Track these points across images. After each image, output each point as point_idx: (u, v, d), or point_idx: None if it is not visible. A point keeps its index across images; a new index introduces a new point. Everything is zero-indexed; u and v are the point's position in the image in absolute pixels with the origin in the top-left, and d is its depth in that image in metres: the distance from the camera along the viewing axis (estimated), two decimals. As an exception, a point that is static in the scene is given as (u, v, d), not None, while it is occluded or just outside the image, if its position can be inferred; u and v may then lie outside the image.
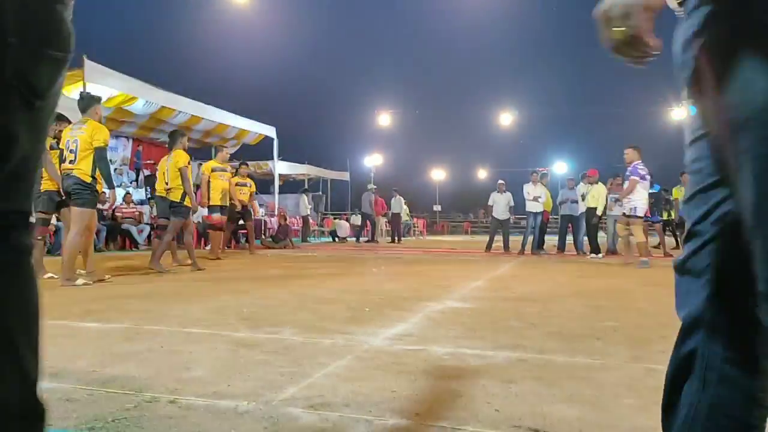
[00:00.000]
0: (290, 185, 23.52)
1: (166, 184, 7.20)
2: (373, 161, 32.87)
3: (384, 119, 26.20)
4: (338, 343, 2.79)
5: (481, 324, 3.38)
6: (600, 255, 10.89)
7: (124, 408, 1.79)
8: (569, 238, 12.25)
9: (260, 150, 19.09)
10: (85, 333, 3.03)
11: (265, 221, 16.65)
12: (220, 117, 15.47)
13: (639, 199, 8.46)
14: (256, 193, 19.01)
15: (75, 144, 5.33)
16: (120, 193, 11.73)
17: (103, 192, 6.14)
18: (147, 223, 12.01)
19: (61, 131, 6.07)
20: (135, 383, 2.05)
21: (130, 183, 14.95)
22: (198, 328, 3.18)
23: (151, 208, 11.90)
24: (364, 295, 4.76)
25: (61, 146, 5.60)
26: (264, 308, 3.94)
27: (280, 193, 19.83)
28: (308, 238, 19.25)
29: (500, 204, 12.55)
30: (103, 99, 12.52)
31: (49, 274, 5.97)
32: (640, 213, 8.51)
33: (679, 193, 11.42)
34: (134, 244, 11.56)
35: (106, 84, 11.97)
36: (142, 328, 3.14)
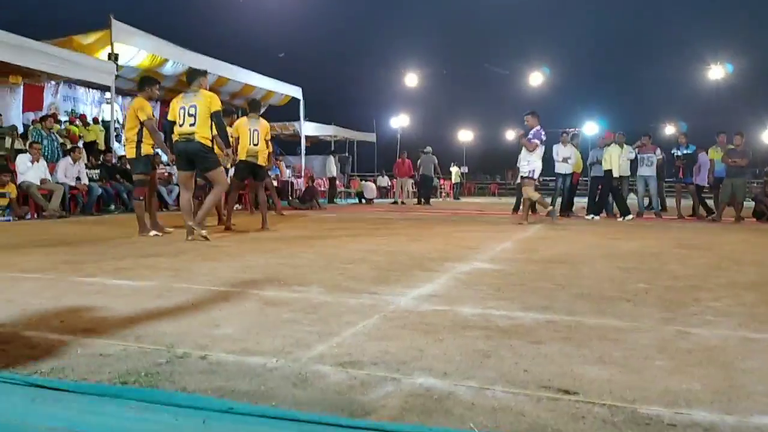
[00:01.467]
0: (317, 146, 23.51)
1: (255, 145, 7.29)
2: (399, 122, 32.60)
3: (411, 79, 25.86)
4: (365, 303, 2.80)
5: (509, 285, 3.36)
6: (630, 216, 10.73)
7: (157, 363, 1.82)
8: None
9: (287, 111, 19.06)
10: (117, 290, 3.09)
11: (291, 182, 16.72)
12: (246, 78, 15.46)
13: (537, 162, 8.87)
14: (281, 154, 19.14)
15: (194, 109, 5.65)
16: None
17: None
18: (176, 184, 12.14)
19: (157, 96, 6.37)
20: (166, 339, 2.09)
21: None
22: (226, 286, 3.22)
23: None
24: (390, 255, 4.76)
25: (171, 117, 5.85)
26: (291, 268, 3.97)
27: (306, 154, 19.85)
28: (335, 200, 19.33)
29: None
30: (133, 63, 12.64)
31: (154, 232, 6.28)
32: (537, 176, 8.97)
33: (715, 154, 11.07)
34: (164, 205, 11.73)
35: (133, 44, 12.02)
36: (172, 286, 3.19)
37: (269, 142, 7.81)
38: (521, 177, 9.19)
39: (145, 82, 6.54)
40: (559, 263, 4.38)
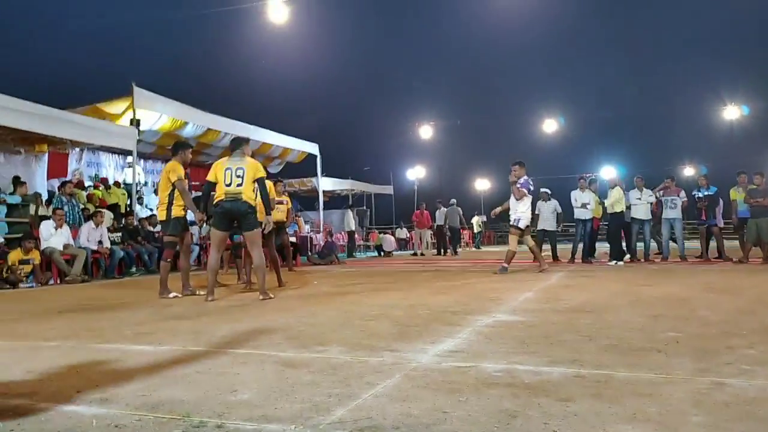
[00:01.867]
0: (335, 201, 23.70)
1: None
2: (416, 174, 32.83)
3: (425, 131, 26.17)
4: (386, 362, 2.73)
5: (534, 338, 3.26)
6: (621, 262, 10.64)
7: (172, 433, 1.77)
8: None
9: (304, 167, 19.34)
10: (135, 356, 3.06)
11: (310, 237, 16.76)
12: (263, 136, 15.76)
13: (524, 211, 8.83)
14: (300, 210, 19.32)
15: (241, 171, 5.85)
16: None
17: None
18: (196, 244, 12.23)
19: (189, 160, 6.65)
20: (183, 407, 2.04)
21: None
22: (245, 348, 3.18)
23: (200, 229, 12.09)
24: (411, 309, 4.68)
25: (211, 178, 5.94)
26: (310, 326, 3.92)
27: (324, 209, 19.99)
28: (354, 254, 19.32)
29: (544, 213, 12.32)
30: (155, 127, 13.02)
31: (174, 294, 6.24)
32: (523, 225, 8.84)
33: (737, 195, 10.92)
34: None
35: (154, 109, 12.37)
36: (190, 350, 3.16)
37: (274, 201, 7.88)
38: (510, 226, 9.13)
39: (179, 147, 6.70)
40: (584, 312, 4.27)
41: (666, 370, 2.45)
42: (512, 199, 8.94)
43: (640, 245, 11.55)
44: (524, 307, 4.76)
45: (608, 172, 31.86)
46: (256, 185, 5.91)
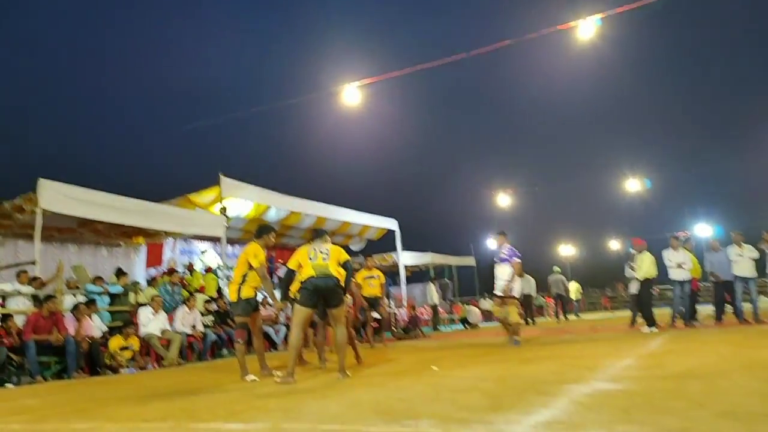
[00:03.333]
0: (416, 275, 23.63)
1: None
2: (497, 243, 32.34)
3: (503, 199, 25.96)
4: (480, 434, 2.61)
5: (637, 406, 3.04)
6: (653, 328, 9.86)
7: None
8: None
9: (384, 242, 19.55)
10: (229, 434, 3.09)
11: (394, 313, 16.69)
12: (343, 216, 16.17)
13: (514, 280, 8.57)
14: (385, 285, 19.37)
15: (327, 251, 5.99)
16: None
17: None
18: (284, 324, 12.44)
19: (271, 244, 6.91)
20: (276, 483, 2.02)
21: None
22: (335, 423, 3.14)
23: (286, 308, 12.34)
24: (501, 381, 4.51)
25: (292, 265, 6.01)
26: (399, 400, 3.84)
27: (406, 283, 19.96)
28: (438, 327, 19.00)
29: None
30: (242, 215, 13.71)
31: (252, 377, 6.20)
32: (516, 293, 8.62)
33: None
34: (272, 345, 11.96)
35: (239, 196, 13.05)
36: (282, 427, 3.16)
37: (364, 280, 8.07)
38: (497, 296, 8.80)
39: (263, 231, 6.78)
40: (691, 378, 3.96)
41: (794, 436, 2.21)
42: (501, 269, 8.68)
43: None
44: (624, 374, 4.47)
45: (702, 229, 30.26)
46: (341, 267, 5.96)
